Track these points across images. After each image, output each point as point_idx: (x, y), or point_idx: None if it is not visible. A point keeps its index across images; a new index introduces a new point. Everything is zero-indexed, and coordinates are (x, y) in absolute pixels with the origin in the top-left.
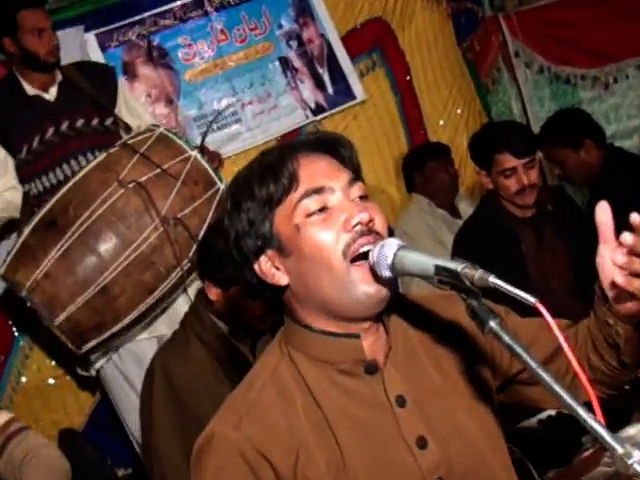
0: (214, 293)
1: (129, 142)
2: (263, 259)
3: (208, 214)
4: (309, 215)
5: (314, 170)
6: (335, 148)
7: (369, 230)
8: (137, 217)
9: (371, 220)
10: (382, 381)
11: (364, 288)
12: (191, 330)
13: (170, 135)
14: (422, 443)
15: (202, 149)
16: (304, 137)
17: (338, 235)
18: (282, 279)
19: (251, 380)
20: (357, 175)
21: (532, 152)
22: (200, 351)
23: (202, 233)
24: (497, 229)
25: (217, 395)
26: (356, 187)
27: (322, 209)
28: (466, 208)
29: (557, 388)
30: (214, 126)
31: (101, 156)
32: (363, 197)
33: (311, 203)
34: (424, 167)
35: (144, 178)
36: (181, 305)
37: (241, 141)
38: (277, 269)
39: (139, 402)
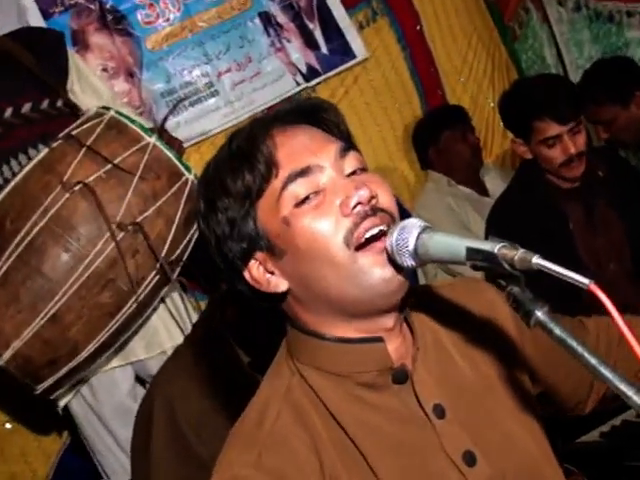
0: (232, 313)
1: (73, 132)
2: (253, 264)
3: (176, 213)
4: (298, 204)
5: (295, 147)
6: (316, 115)
7: (373, 209)
8: (87, 226)
9: (373, 197)
10: (414, 390)
11: (378, 273)
12: (202, 351)
13: (122, 119)
14: (470, 459)
15: (161, 133)
16: (277, 109)
17: (337, 222)
18: (280, 284)
19: (262, 408)
20: (348, 143)
21: (578, 114)
22: (215, 381)
23: (171, 236)
24: (539, 205)
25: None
26: (350, 158)
27: (313, 194)
28: (495, 182)
29: (624, 387)
30: (186, 102)
31: (42, 152)
32: (360, 170)
33: (298, 188)
34: (438, 138)
35: (92, 177)
36: (158, 320)
37: (220, 118)
38: (271, 274)
39: (130, 445)
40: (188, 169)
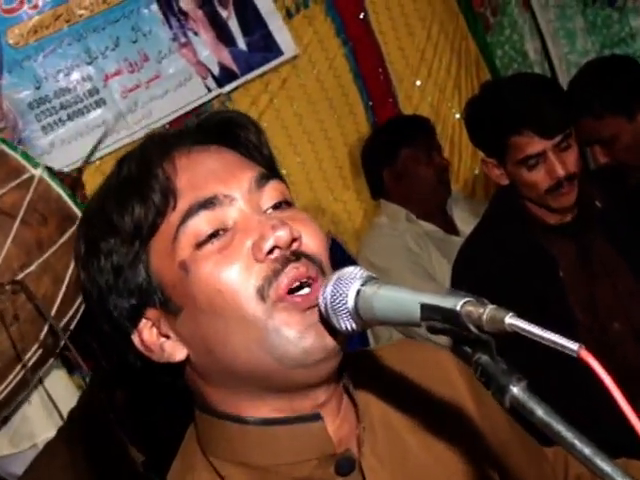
0: (120, 397)
1: None
2: (144, 325)
3: (67, 268)
4: (199, 244)
5: (199, 173)
6: (230, 134)
7: (295, 254)
8: None
9: (295, 239)
10: None
11: (294, 337)
12: (81, 448)
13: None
14: None
15: (81, 171)
16: (181, 125)
17: (247, 268)
18: (175, 352)
19: None
20: (270, 170)
21: (567, 125)
22: None
23: (60, 297)
24: (518, 246)
25: None
26: (269, 189)
27: (218, 232)
28: (464, 217)
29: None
30: (61, 114)
31: None
32: (283, 203)
33: (200, 224)
34: (395, 158)
35: None
36: (31, 406)
37: (110, 137)
38: (166, 337)
39: None
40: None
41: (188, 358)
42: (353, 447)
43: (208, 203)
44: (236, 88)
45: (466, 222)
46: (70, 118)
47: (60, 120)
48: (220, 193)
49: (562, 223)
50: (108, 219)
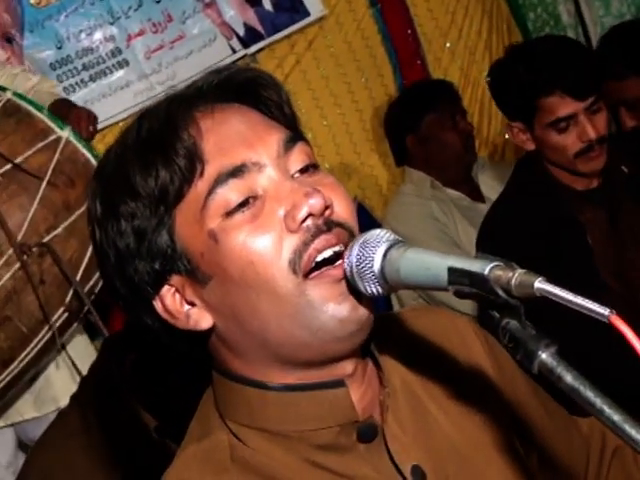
0: (133, 362)
1: None
2: (167, 291)
3: None
4: (229, 213)
5: (226, 136)
6: (252, 92)
7: (327, 223)
8: None
9: (327, 206)
10: (387, 449)
11: (332, 309)
12: (93, 414)
13: (24, 104)
14: None
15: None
16: (199, 82)
17: (279, 239)
18: (201, 320)
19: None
20: (295, 132)
21: (598, 87)
22: (110, 452)
23: (86, 261)
24: (545, 212)
25: None
26: (296, 152)
27: (248, 200)
28: (492, 184)
29: None
30: (85, 75)
31: None
32: (310, 167)
33: (229, 193)
34: (419, 124)
35: None
36: (54, 370)
37: (131, 96)
38: (192, 305)
39: None
40: None
41: (214, 327)
42: (376, 413)
43: (237, 171)
44: (262, 49)
45: (493, 189)
46: (92, 79)
47: (82, 81)
48: (249, 160)
49: (589, 189)
50: (129, 181)
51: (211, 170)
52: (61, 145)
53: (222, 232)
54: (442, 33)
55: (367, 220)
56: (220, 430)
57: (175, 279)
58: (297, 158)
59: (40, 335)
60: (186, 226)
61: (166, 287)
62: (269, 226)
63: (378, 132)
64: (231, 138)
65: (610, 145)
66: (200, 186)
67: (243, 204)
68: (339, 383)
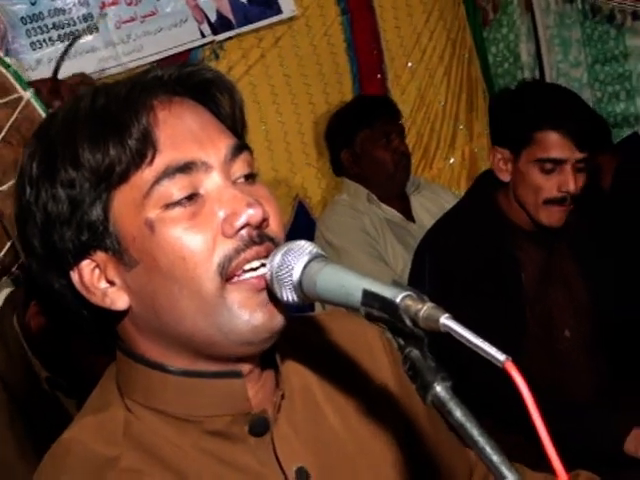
0: (39, 324)
1: None
2: (87, 265)
3: None
4: (170, 206)
5: (180, 131)
6: (208, 93)
7: (260, 235)
8: None
9: (265, 219)
10: (273, 447)
11: (247, 316)
12: None
13: None
14: None
15: (53, 83)
16: (160, 70)
17: (213, 241)
18: (118, 300)
19: (92, 444)
20: (242, 141)
21: (592, 146)
22: None
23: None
24: (487, 242)
25: (5, 459)
26: (240, 160)
27: (190, 197)
28: (426, 207)
29: None
30: (53, 35)
31: None
32: (249, 177)
33: (174, 188)
34: (353, 139)
35: None
36: None
37: (95, 62)
38: (111, 284)
39: None
40: None
41: (129, 309)
42: (271, 411)
43: (186, 167)
44: (230, 38)
45: (424, 209)
46: (60, 39)
47: (50, 39)
48: (198, 159)
49: (533, 231)
50: (75, 151)
51: (160, 160)
52: (21, 105)
53: (160, 222)
54: (405, 52)
55: (305, 219)
56: (117, 406)
57: (99, 255)
58: (241, 166)
59: None
60: (124, 208)
61: (87, 261)
62: (206, 226)
63: None
64: (184, 134)
65: None
66: (147, 173)
67: (185, 200)
68: (236, 374)
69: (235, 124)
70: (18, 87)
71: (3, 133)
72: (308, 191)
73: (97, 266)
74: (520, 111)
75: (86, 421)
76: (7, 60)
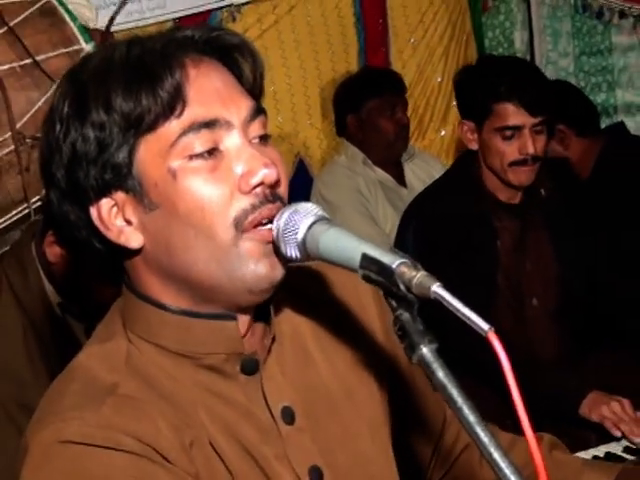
0: (55, 253)
1: None
2: (106, 203)
3: None
4: (192, 157)
5: (207, 89)
6: (232, 57)
7: (273, 195)
8: None
9: (278, 180)
10: (262, 386)
11: (253, 266)
12: (7, 282)
13: (60, 10)
14: (316, 476)
15: (105, 36)
16: (191, 30)
17: (231, 195)
18: (132, 239)
19: (97, 370)
20: (259, 104)
21: (547, 110)
22: (14, 315)
23: None
24: (469, 211)
25: (25, 383)
26: (258, 122)
27: (211, 151)
28: (417, 173)
29: (498, 457)
30: None
31: None
32: (263, 137)
33: (198, 141)
34: (361, 106)
35: (6, 67)
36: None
37: (122, 14)
38: (128, 223)
39: None
40: None
41: (142, 248)
42: (261, 353)
43: (210, 124)
44: (247, 3)
45: (416, 176)
46: None
47: None
48: (222, 117)
49: (510, 202)
50: (109, 96)
51: (188, 114)
52: (81, 55)
53: (182, 171)
54: (409, 29)
55: (304, 175)
56: (121, 337)
57: (119, 195)
58: (257, 127)
59: (11, 214)
60: (149, 155)
61: (107, 199)
62: (224, 180)
63: (331, 101)
64: (210, 92)
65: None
66: (174, 125)
67: (206, 154)
68: (231, 317)
69: (254, 88)
70: (81, 39)
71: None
72: (309, 150)
73: (115, 204)
74: (478, 86)
75: (93, 349)
76: (73, 9)
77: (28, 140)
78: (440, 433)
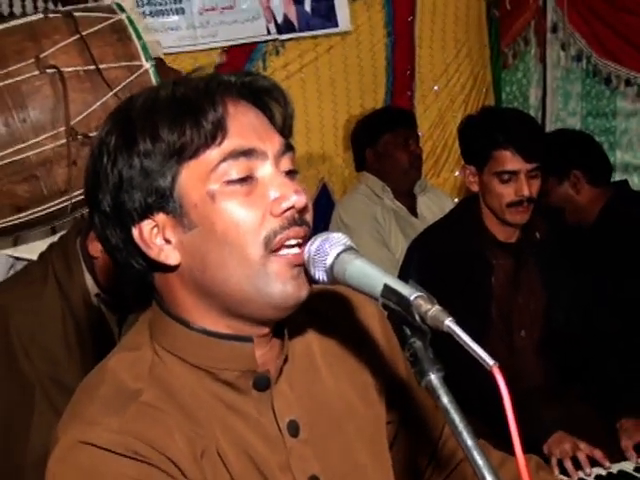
0: (96, 249)
1: (76, 14)
2: (147, 224)
3: None
4: (230, 182)
5: (245, 124)
6: (265, 100)
7: (301, 219)
8: (39, 114)
9: (306, 207)
10: (272, 401)
11: (281, 285)
12: (52, 271)
13: (129, 29)
14: None
15: (159, 62)
16: (228, 75)
17: (263, 217)
18: (171, 256)
19: (122, 376)
20: (289, 142)
21: (542, 159)
22: (56, 301)
23: None
24: (468, 248)
25: (60, 362)
26: (287, 157)
27: (247, 178)
28: (428, 206)
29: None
30: (146, 9)
31: (34, 16)
32: (291, 172)
33: (236, 168)
34: (377, 140)
35: (71, 69)
36: (41, 234)
37: (176, 39)
38: (167, 242)
39: None
40: None
41: (178, 266)
42: (273, 373)
43: (248, 153)
44: (291, 39)
45: (428, 208)
46: (152, 15)
47: (143, 13)
48: (259, 148)
49: (507, 241)
50: (155, 127)
51: (228, 144)
52: (140, 71)
53: (220, 194)
54: (434, 77)
55: (326, 199)
56: (148, 348)
57: (160, 216)
58: (287, 162)
59: (55, 202)
60: (190, 180)
61: (149, 220)
62: (258, 204)
63: None
64: (248, 126)
65: (533, 212)
66: (215, 152)
67: (243, 180)
68: (248, 339)
69: (284, 129)
70: (142, 56)
71: (117, 89)
72: (333, 176)
73: (156, 225)
74: (480, 134)
75: (122, 355)
76: (140, 31)
77: (79, 137)
78: (436, 445)
